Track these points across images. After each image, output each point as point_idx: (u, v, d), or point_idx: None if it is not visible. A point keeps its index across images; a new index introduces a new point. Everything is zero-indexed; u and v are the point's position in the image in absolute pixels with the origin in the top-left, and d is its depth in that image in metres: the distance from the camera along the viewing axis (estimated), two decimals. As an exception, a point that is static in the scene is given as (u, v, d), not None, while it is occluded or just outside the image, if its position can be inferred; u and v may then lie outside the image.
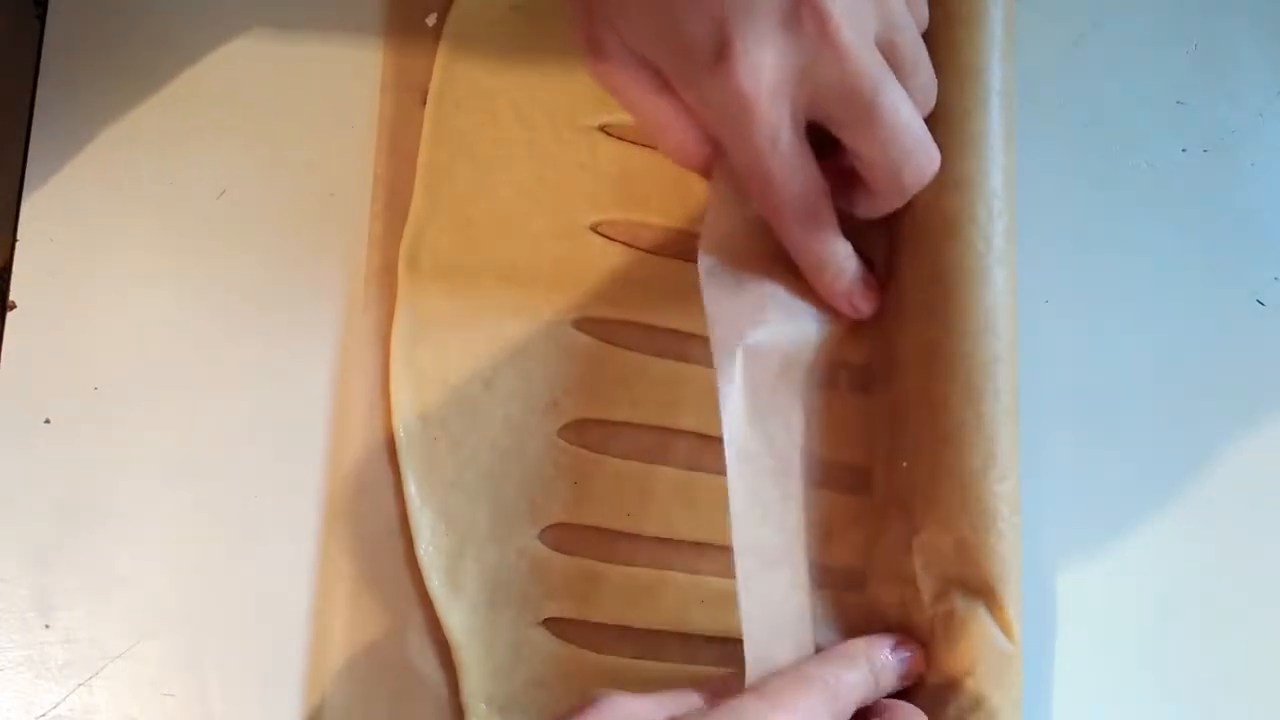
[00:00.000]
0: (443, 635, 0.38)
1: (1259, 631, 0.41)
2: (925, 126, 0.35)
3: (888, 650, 0.36)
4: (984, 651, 0.36)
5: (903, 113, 0.34)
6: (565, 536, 0.39)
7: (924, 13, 0.37)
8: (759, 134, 0.34)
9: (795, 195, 0.35)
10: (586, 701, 0.32)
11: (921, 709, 0.34)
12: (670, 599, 0.39)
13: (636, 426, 0.40)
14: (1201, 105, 0.44)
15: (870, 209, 0.38)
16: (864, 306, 0.38)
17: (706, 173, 0.38)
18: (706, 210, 0.37)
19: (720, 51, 0.33)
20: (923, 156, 0.35)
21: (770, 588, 0.35)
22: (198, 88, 0.42)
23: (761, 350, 0.36)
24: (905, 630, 0.37)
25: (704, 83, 0.34)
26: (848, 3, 0.33)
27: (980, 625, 0.36)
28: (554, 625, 0.39)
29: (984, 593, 0.36)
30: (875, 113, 0.34)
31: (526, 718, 0.38)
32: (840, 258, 0.37)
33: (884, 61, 0.34)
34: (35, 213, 0.41)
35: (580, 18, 0.36)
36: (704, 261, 0.36)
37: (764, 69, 0.33)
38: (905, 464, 0.38)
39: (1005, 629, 0.36)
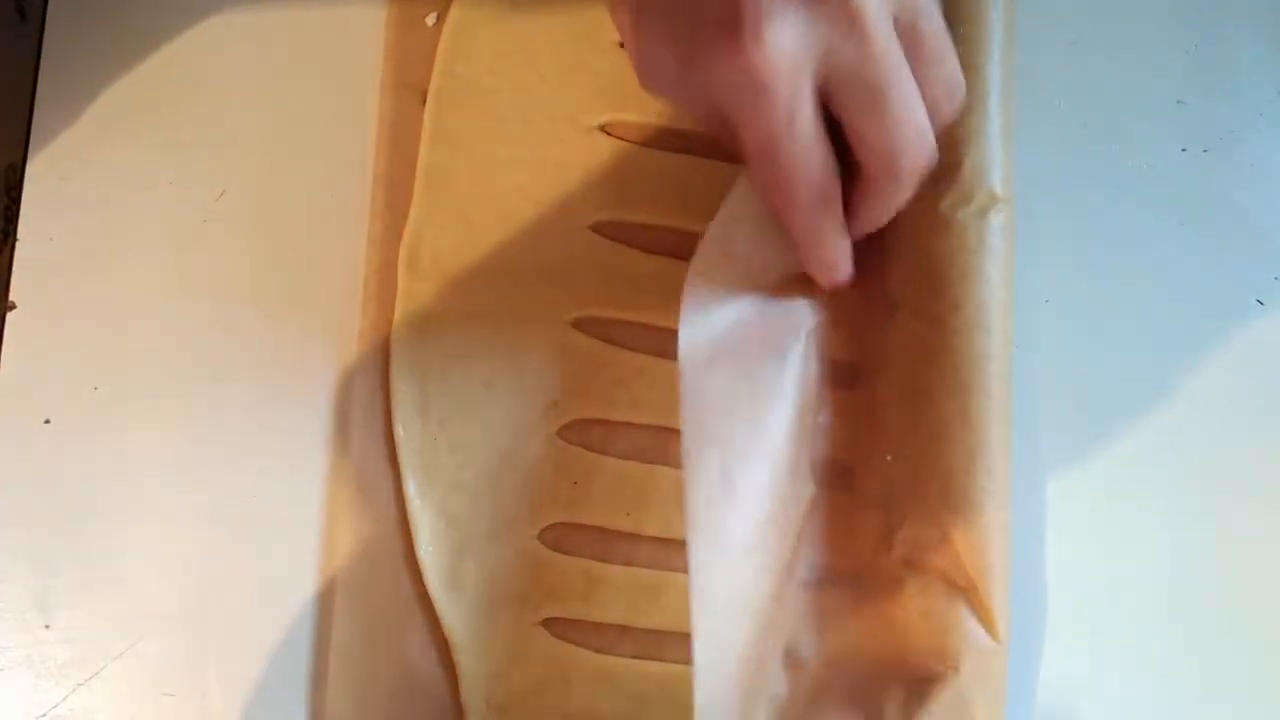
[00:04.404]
0: (443, 635, 0.38)
1: (1256, 631, 0.41)
2: (927, 119, 0.34)
3: None
4: (966, 647, 0.36)
5: (910, 104, 0.33)
6: (565, 536, 0.39)
7: None
8: (776, 114, 0.32)
9: (810, 181, 0.34)
10: None
11: (902, 702, 0.34)
12: (670, 599, 0.39)
13: (636, 426, 0.40)
14: (1201, 105, 0.44)
15: (868, 211, 0.36)
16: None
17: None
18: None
19: (735, 26, 0.31)
20: (920, 148, 0.34)
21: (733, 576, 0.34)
22: (198, 87, 0.42)
23: (736, 345, 0.36)
24: (887, 624, 0.37)
25: (718, 62, 0.32)
26: None
27: (962, 621, 0.36)
28: (554, 625, 0.39)
29: (966, 588, 0.36)
30: (885, 103, 0.32)
31: (526, 718, 0.38)
32: (843, 255, 0.36)
33: (901, 47, 0.33)
34: (35, 212, 0.41)
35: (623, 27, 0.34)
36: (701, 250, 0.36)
37: (782, 45, 0.31)
38: (889, 458, 0.38)
39: (988, 625, 0.36)
